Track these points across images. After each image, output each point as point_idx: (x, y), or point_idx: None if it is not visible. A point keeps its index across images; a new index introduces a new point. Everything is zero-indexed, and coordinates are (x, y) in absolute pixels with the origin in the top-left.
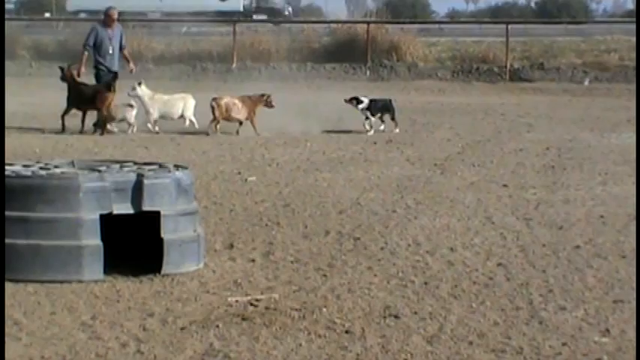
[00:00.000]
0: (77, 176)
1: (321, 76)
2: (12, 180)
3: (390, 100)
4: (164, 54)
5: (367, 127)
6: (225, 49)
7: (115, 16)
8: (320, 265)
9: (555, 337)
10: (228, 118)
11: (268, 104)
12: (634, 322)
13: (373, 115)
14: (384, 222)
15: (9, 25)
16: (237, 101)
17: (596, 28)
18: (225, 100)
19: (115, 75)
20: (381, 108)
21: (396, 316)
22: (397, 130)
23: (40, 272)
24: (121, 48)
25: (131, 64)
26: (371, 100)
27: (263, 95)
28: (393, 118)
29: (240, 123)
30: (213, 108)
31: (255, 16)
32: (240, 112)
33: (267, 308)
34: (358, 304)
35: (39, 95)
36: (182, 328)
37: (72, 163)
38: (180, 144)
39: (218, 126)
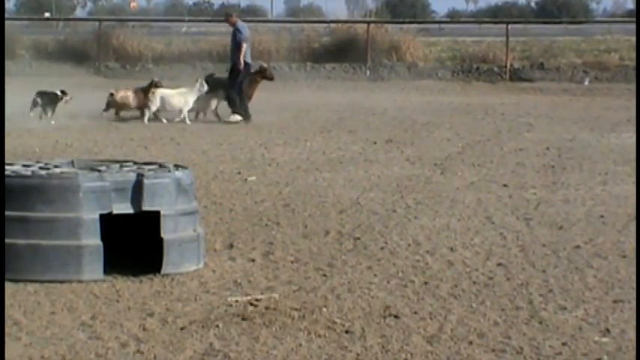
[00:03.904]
0: (77, 176)
1: (321, 76)
2: (12, 180)
3: None
4: (164, 54)
5: None
6: (225, 49)
7: (228, 15)
8: (320, 265)
9: (555, 337)
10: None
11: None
12: (634, 322)
13: None
14: (384, 222)
15: (9, 25)
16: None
17: (596, 28)
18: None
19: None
20: None
21: (396, 316)
22: None
23: (40, 272)
24: (237, 46)
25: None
26: None
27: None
28: None
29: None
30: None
31: None
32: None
33: (267, 308)
34: (358, 304)
35: None
36: (182, 328)
37: (72, 163)
38: (180, 144)
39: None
